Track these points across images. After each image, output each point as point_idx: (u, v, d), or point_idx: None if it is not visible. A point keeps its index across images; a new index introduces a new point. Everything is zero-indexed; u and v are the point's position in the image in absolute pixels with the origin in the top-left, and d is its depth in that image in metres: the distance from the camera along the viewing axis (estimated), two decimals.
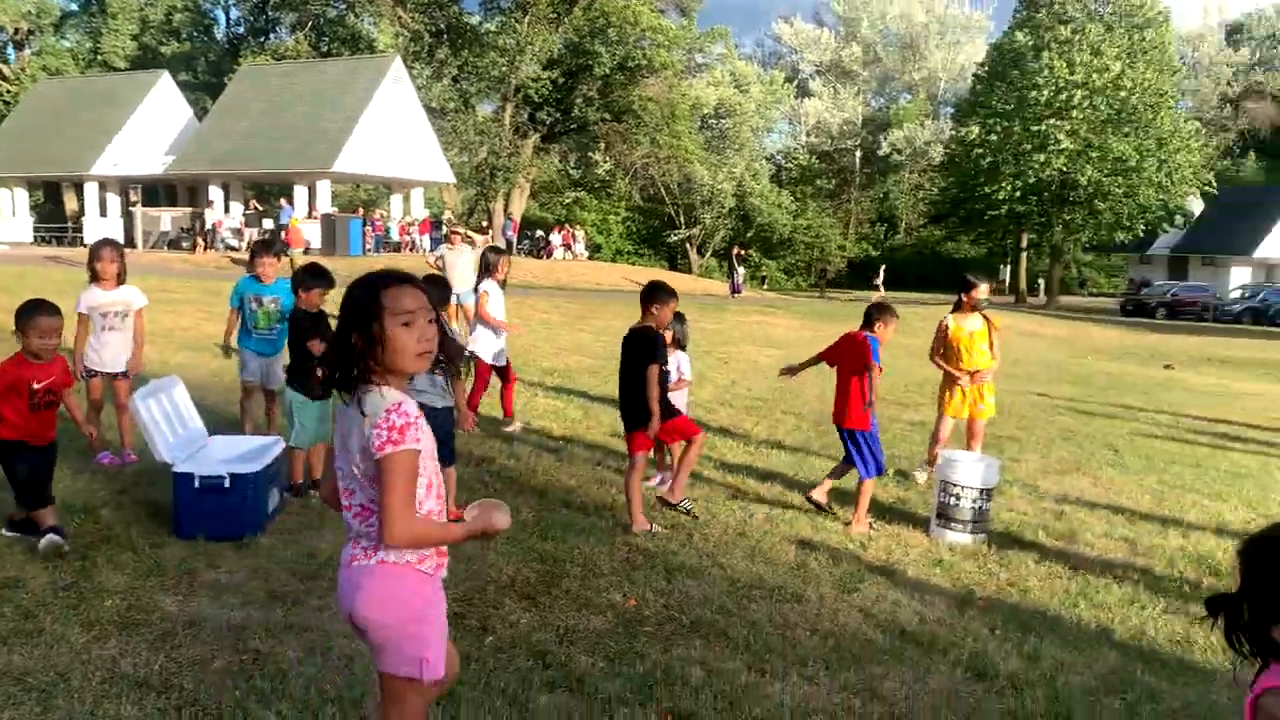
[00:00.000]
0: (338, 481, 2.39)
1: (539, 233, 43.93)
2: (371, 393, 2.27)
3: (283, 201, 32.58)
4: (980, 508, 5.76)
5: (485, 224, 42.73)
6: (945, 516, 5.80)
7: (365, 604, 2.31)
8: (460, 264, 13.21)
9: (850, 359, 5.97)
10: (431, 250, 31.24)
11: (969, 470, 5.77)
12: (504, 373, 8.36)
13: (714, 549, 5.32)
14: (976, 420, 7.27)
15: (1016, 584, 5.06)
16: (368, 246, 30.67)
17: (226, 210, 33.98)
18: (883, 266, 43.40)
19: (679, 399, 6.58)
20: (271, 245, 7.57)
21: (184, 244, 31.24)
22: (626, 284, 32.07)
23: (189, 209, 33.82)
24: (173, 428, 5.23)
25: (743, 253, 37.85)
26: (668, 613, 4.36)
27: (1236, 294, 41.10)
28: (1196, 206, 48.34)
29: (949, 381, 7.34)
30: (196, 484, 4.91)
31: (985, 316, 7.34)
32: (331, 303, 5.85)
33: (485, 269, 8.38)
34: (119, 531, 4.96)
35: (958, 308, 7.42)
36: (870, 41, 66.57)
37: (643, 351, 5.44)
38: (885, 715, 3.49)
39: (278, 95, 35.13)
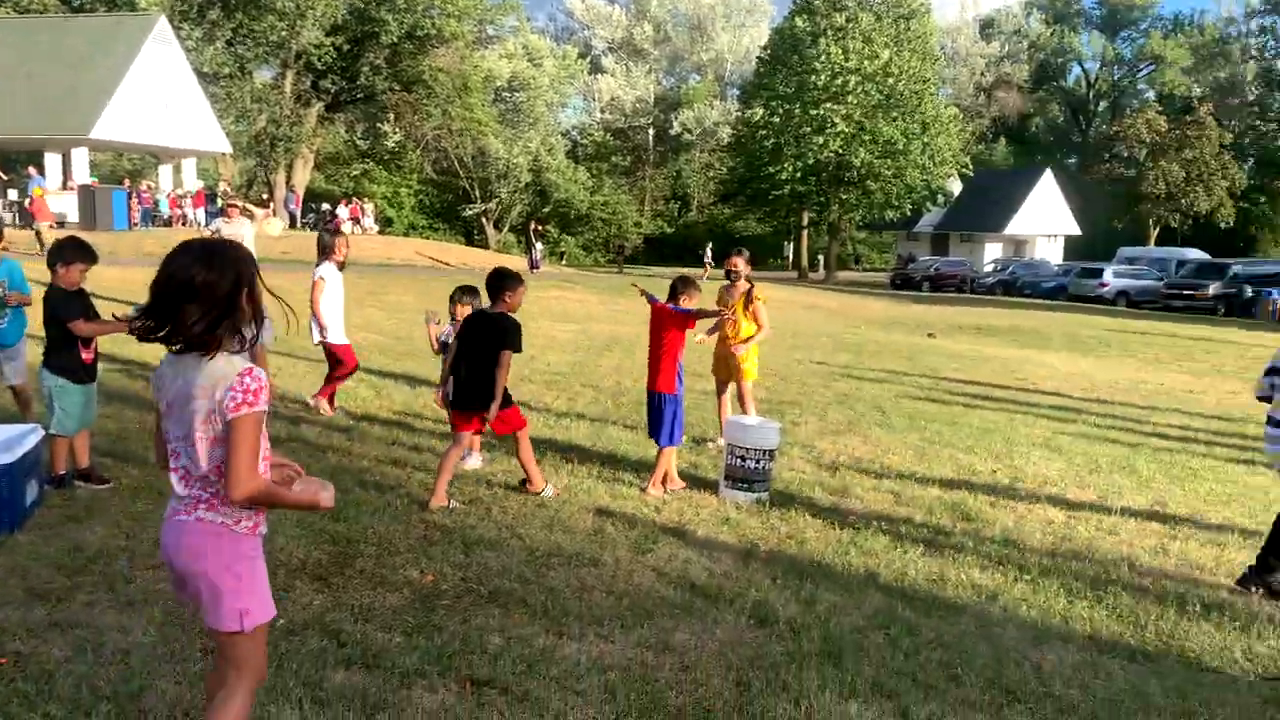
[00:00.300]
0: (165, 439, 2.47)
1: (325, 206, 42.09)
2: (217, 358, 2.36)
3: (31, 170, 29.54)
4: (764, 468, 6.12)
5: (266, 196, 40.57)
6: (732, 478, 6.13)
7: (185, 556, 2.44)
8: (239, 237, 12.51)
9: (660, 328, 6.15)
10: (207, 224, 29.32)
11: (753, 433, 6.11)
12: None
13: (513, 521, 5.38)
14: (743, 384, 7.62)
15: (795, 536, 5.43)
16: (134, 220, 28.39)
17: None
18: (709, 245, 44.61)
19: None
20: None
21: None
22: (419, 259, 31.37)
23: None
24: None
25: (540, 228, 37.81)
26: (466, 585, 4.39)
27: (990, 268, 45.04)
28: (956, 187, 52.59)
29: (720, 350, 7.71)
30: None
31: (749, 288, 7.62)
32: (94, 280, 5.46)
33: (322, 250, 7.93)
34: None
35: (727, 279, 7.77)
36: (660, 20, 67.78)
37: (498, 337, 5.49)
38: (676, 665, 3.69)
39: (22, 53, 31.67)
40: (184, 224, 31.49)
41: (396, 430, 7.43)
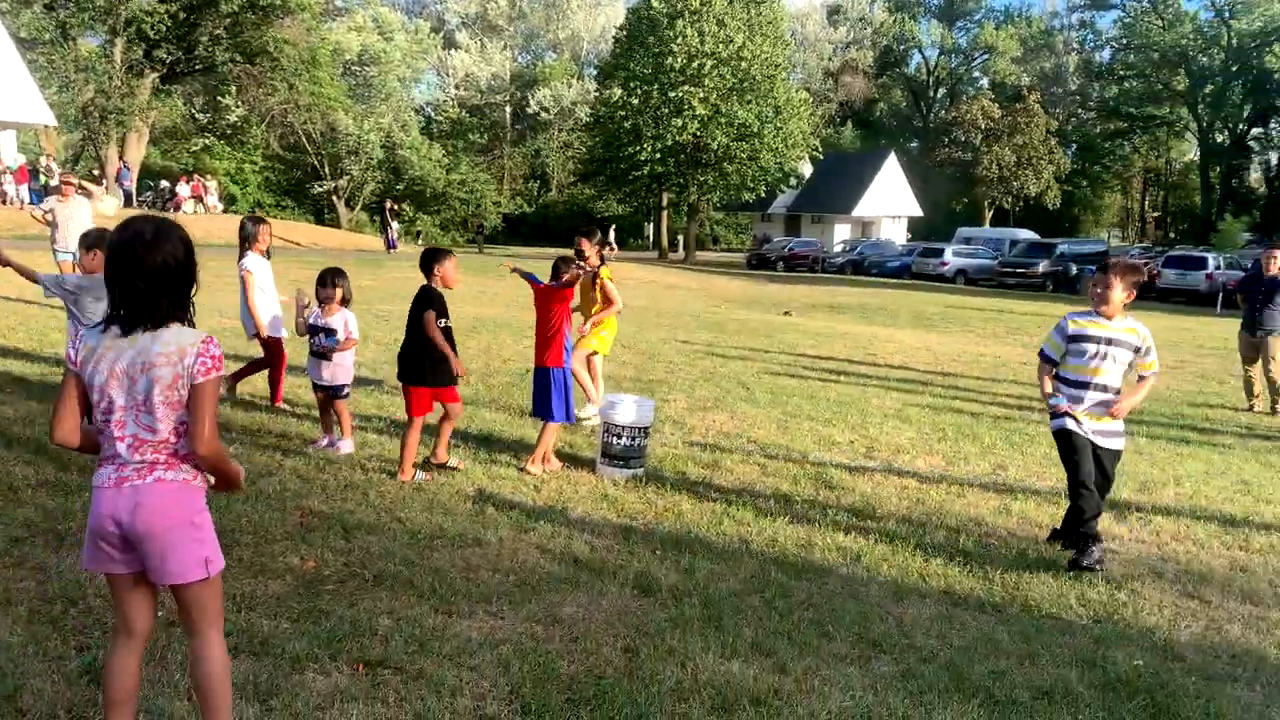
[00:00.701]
0: (98, 418, 2.57)
1: (164, 183, 39.83)
2: (171, 328, 2.55)
3: None
4: (638, 444, 6.29)
5: (96, 172, 38.11)
6: (609, 455, 6.27)
7: (147, 516, 2.54)
8: (76, 218, 11.80)
9: (545, 306, 6.25)
10: (35, 203, 27.37)
11: (627, 411, 6.26)
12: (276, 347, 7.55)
13: (391, 505, 5.37)
14: (592, 359, 7.82)
15: (672, 510, 5.62)
16: None
17: None
18: (613, 226, 44.50)
19: (346, 359, 6.48)
20: None
21: None
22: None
23: None
24: None
25: (395, 207, 37.02)
26: (349, 570, 4.38)
27: (839, 249, 46.85)
28: (807, 170, 54.35)
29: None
30: None
31: (597, 267, 7.65)
32: None
33: (245, 241, 7.38)
34: None
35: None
36: None
37: (422, 304, 5.80)
38: (565, 637, 3.81)
39: None
40: (4, 202, 29.26)
41: (262, 415, 7.23)
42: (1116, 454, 5.17)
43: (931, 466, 7.11)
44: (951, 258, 37.78)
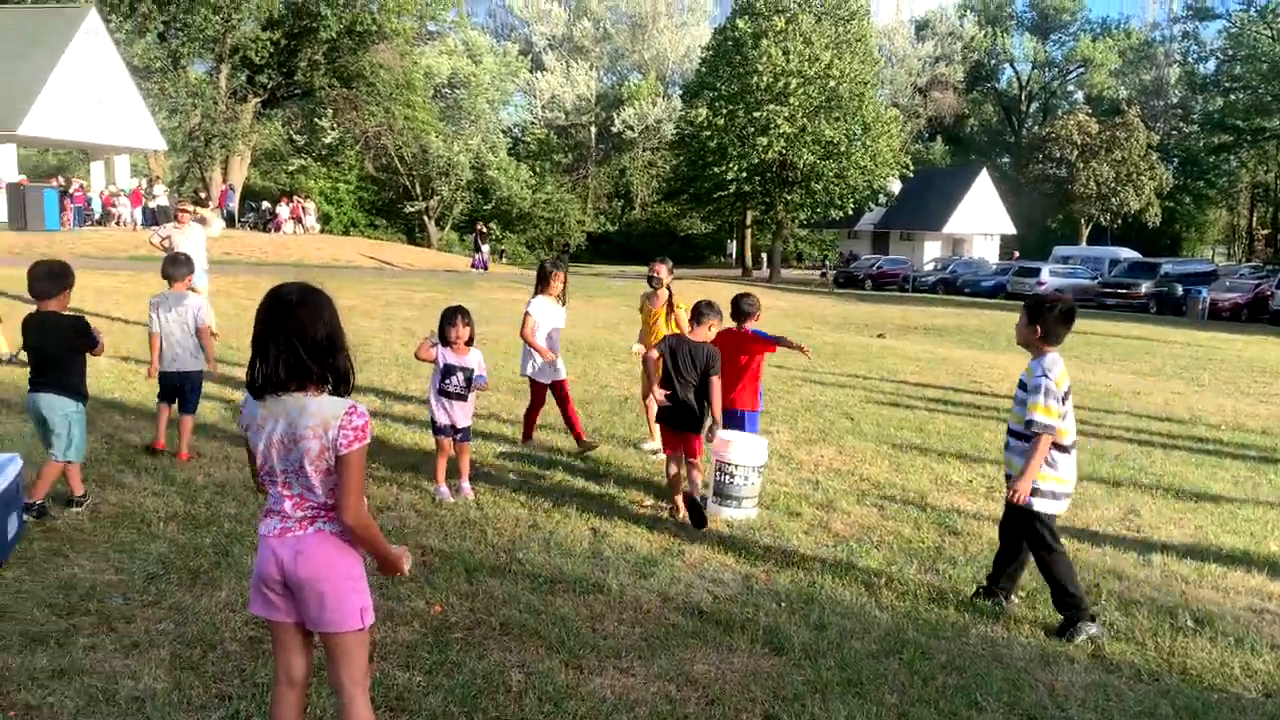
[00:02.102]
0: (263, 476, 2.69)
1: (265, 204, 41.18)
2: (318, 397, 2.61)
3: None
4: (752, 483, 6.15)
5: (201, 193, 39.58)
6: (722, 494, 6.14)
7: (307, 565, 2.63)
8: (191, 243, 12.19)
9: (738, 350, 6.50)
10: (148, 225, 28.53)
11: (741, 449, 6.12)
12: (558, 390, 7.53)
13: (510, 544, 5.33)
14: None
15: (792, 555, 5.46)
16: (66, 220, 27.48)
17: None
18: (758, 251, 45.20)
19: (471, 400, 6.31)
20: None
21: None
22: (361, 260, 30.89)
23: None
24: None
25: (484, 229, 37.73)
26: (475, 616, 4.33)
27: (930, 267, 45.91)
28: (895, 186, 53.48)
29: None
30: None
31: (670, 295, 7.86)
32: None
33: (540, 282, 7.37)
34: None
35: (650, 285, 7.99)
36: (600, 18, 67.70)
37: (708, 363, 5.97)
38: (701, 700, 3.68)
39: None
40: (119, 224, 30.57)
41: (383, 444, 7.29)
42: (1022, 513, 4.57)
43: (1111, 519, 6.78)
44: (1049, 277, 36.65)
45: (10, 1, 36.01)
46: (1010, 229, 58.82)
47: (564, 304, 7.61)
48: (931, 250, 54.80)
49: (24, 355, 5.42)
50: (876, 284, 41.69)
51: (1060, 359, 4.58)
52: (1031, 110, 77.98)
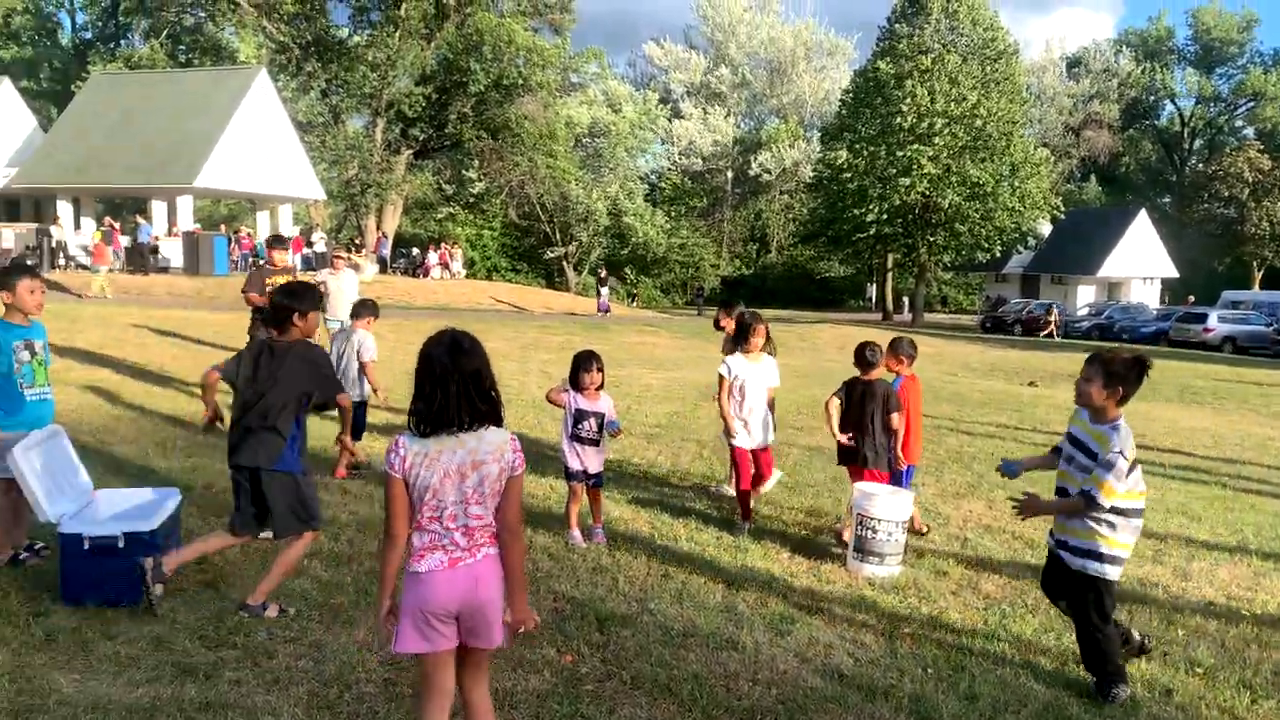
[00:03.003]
0: (425, 514, 2.89)
1: (415, 251, 43.01)
2: (490, 429, 2.93)
3: (138, 218, 30.87)
4: (896, 539, 5.86)
5: (356, 240, 41.64)
6: (863, 550, 5.88)
7: (487, 589, 2.91)
8: (345, 288, 12.75)
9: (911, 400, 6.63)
10: (304, 269, 30.15)
11: (884, 504, 5.86)
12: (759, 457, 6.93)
13: (641, 593, 5.22)
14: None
15: (938, 617, 5.15)
16: (233, 264, 29.38)
17: (77, 226, 31.95)
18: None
19: (605, 445, 6.31)
20: (29, 268, 5.27)
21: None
22: (490, 303, 31.63)
23: (34, 225, 31.66)
24: (56, 483, 4.78)
25: (604, 273, 38.54)
26: (606, 668, 4.24)
27: (1084, 311, 43.73)
28: (1046, 228, 51.39)
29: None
30: (86, 545, 4.51)
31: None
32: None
33: (740, 336, 6.84)
34: None
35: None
36: (739, 64, 68.14)
37: (890, 400, 6.34)
38: None
39: (134, 106, 33.32)
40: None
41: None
42: (1076, 576, 4.23)
43: (1235, 577, 6.21)
44: (1217, 323, 34.30)
45: (191, 65, 39.11)
46: (1172, 272, 55.54)
47: (774, 353, 7.05)
48: (1085, 294, 52.25)
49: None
50: (1026, 329, 39.98)
51: (1128, 428, 4.15)
52: (1195, 147, 73.87)
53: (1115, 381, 4.11)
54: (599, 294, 35.07)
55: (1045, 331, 37.32)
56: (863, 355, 6.45)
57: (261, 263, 12.95)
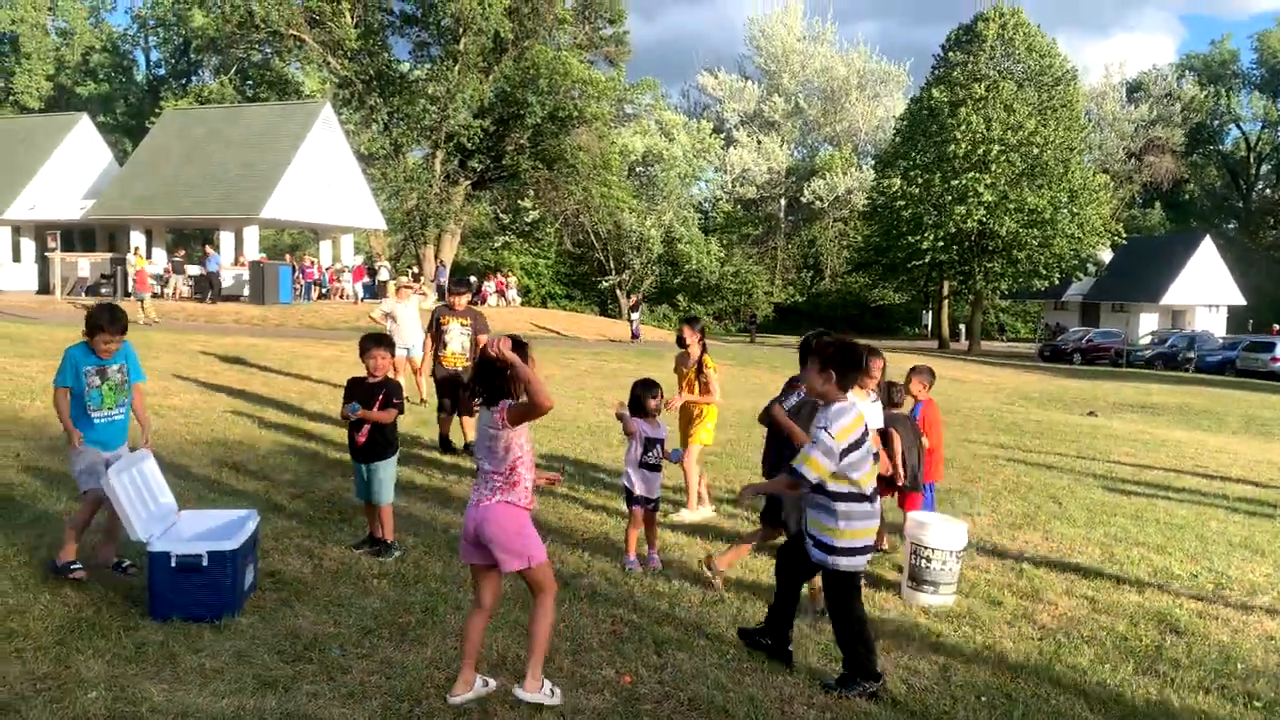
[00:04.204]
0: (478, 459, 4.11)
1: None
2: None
3: (207, 249, 31.90)
4: (950, 569, 5.91)
5: (415, 269, 42.46)
6: (917, 579, 5.93)
7: (491, 528, 3.96)
8: (410, 317, 13.15)
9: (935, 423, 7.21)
10: (365, 297, 30.87)
11: (938, 533, 5.91)
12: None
13: (697, 618, 5.34)
14: (691, 445, 7.91)
15: (993, 647, 5.19)
16: (297, 293, 30.18)
17: (149, 256, 33.09)
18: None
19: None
20: (110, 322, 5.37)
21: (103, 290, 30.30)
22: (531, 329, 31.85)
23: (108, 254, 32.89)
24: (145, 504, 5.07)
25: (634, 300, 38.91)
26: (664, 689, 4.37)
27: (1147, 340, 42.88)
28: (1106, 255, 50.55)
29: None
30: (173, 563, 4.77)
31: (700, 355, 7.99)
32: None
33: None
34: (89, 614, 4.79)
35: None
36: (792, 93, 68.35)
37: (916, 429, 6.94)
38: None
39: (204, 140, 34.53)
40: (341, 297, 33.22)
41: (569, 512, 7.52)
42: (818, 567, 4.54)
43: None
44: None
45: (258, 100, 40.40)
46: (1239, 300, 54.19)
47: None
48: (1148, 322, 51.18)
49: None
50: (1086, 358, 39.31)
51: (854, 408, 4.34)
52: (1262, 172, 72.19)
53: (828, 366, 4.35)
54: (630, 320, 35.27)
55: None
56: (889, 396, 6.94)
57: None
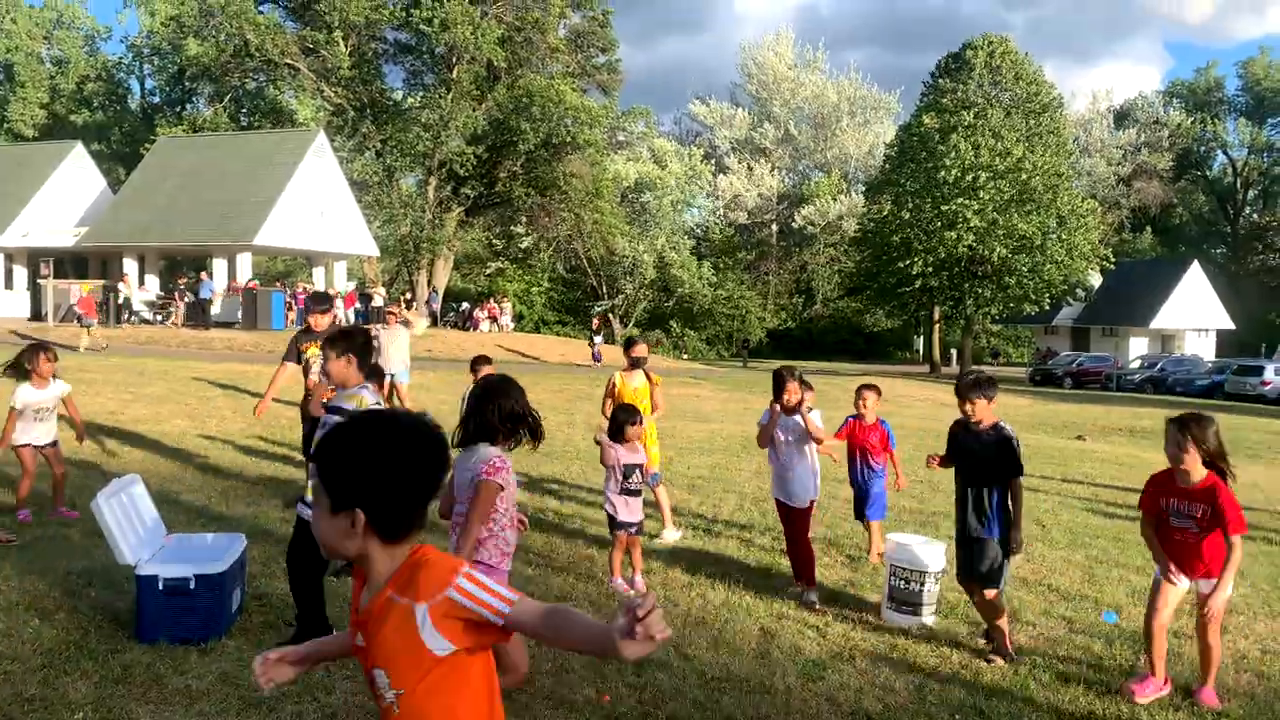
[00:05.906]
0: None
1: (465, 305, 43.91)
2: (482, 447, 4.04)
3: (203, 275, 32.01)
4: (929, 590, 5.99)
5: (408, 295, 42.65)
6: (896, 600, 6.01)
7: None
8: (397, 343, 13.23)
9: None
10: (358, 323, 30.87)
11: (918, 554, 6.00)
12: None
13: (678, 639, 5.41)
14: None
15: (969, 666, 5.27)
16: (290, 319, 30.27)
17: (141, 283, 33.20)
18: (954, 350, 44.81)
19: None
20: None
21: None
22: (501, 354, 31.76)
23: (101, 281, 32.97)
24: (133, 527, 5.14)
25: (597, 324, 38.96)
26: (643, 708, 4.44)
27: (1137, 364, 43.14)
28: (1096, 280, 50.93)
29: None
30: (160, 586, 4.83)
31: (647, 374, 8.12)
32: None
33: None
34: (76, 637, 4.85)
35: (630, 367, 8.16)
36: (783, 120, 68.94)
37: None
38: None
39: (198, 167, 34.74)
40: (334, 323, 33.27)
41: (556, 539, 7.59)
42: None
43: (1274, 631, 6.23)
44: (1273, 376, 33.68)
45: (252, 128, 40.67)
46: (1227, 324, 54.59)
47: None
48: (1137, 347, 51.53)
49: None
50: (1076, 382, 39.52)
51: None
52: (1249, 198, 72.90)
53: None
54: (592, 342, 34.48)
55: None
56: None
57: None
